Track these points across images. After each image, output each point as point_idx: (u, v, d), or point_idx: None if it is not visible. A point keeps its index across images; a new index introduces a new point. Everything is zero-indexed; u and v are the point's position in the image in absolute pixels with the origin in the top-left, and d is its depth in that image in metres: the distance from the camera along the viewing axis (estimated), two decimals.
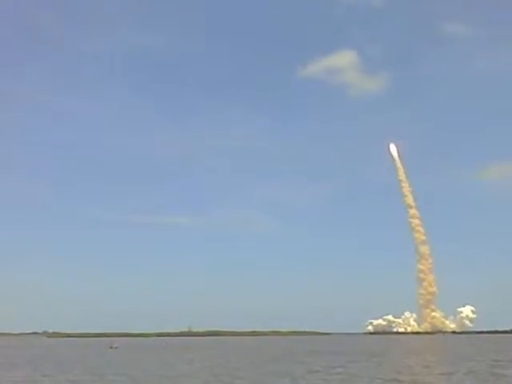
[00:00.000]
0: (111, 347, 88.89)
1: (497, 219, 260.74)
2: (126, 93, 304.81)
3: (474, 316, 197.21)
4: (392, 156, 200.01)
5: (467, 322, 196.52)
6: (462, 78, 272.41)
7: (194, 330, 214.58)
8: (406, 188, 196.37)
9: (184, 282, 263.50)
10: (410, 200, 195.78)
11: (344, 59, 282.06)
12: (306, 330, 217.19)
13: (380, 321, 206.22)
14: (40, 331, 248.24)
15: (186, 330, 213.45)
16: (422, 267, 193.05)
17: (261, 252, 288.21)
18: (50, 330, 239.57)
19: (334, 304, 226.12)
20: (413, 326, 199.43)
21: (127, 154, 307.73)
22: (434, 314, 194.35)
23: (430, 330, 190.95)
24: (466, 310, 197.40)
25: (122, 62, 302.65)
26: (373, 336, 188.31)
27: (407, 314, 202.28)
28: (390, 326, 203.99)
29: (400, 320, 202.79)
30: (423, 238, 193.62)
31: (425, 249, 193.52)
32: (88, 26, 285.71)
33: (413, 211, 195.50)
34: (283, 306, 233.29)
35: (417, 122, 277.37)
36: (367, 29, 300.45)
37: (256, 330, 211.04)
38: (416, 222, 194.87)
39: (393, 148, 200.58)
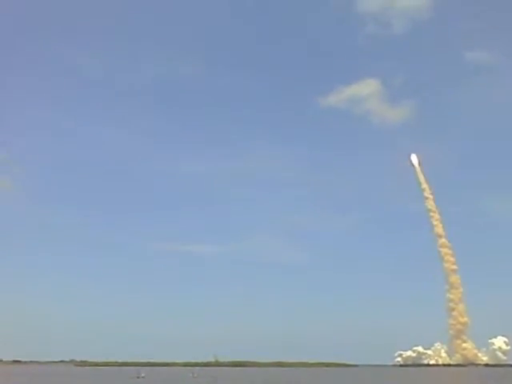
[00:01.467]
0: (138, 377, 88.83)
1: None
2: (156, 122, 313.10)
3: (508, 348, 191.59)
4: (413, 165, 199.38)
5: (500, 354, 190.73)
6: (486, 107, 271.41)
7: (220, 360, 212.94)
8: (435, 217, 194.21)
9: (210, 311, 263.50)
10: (439, 229, 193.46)
11: (367, 88, 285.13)
12: (333, 361, 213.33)
13: (409, 352, 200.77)
14: (67, 359, 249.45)
15: (212, 360, 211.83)
16: (452, 297, 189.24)
17: (287, 282, 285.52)
18: (78, 359, 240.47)
19: (362, 335, 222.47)
20: (444, 357, 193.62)
21: (154, 181, 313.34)
22: (465, 345, 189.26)
23: (461, 362, 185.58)
24: (499, 342, 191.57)
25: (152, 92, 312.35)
26: (402, 368, 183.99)
27: (438, 345, 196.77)
28: (420, 358, 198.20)
29: (430, 351, 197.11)
30: (453, 267, 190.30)
31: (455, 278, 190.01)
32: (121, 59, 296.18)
33: (442, 240, 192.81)
34: (310, 336, 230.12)
35: (441, 151, 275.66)
36: (390, 58, 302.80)
37: (282, 360, 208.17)
38: (445, 251, 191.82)
39: (414, 158, 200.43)
